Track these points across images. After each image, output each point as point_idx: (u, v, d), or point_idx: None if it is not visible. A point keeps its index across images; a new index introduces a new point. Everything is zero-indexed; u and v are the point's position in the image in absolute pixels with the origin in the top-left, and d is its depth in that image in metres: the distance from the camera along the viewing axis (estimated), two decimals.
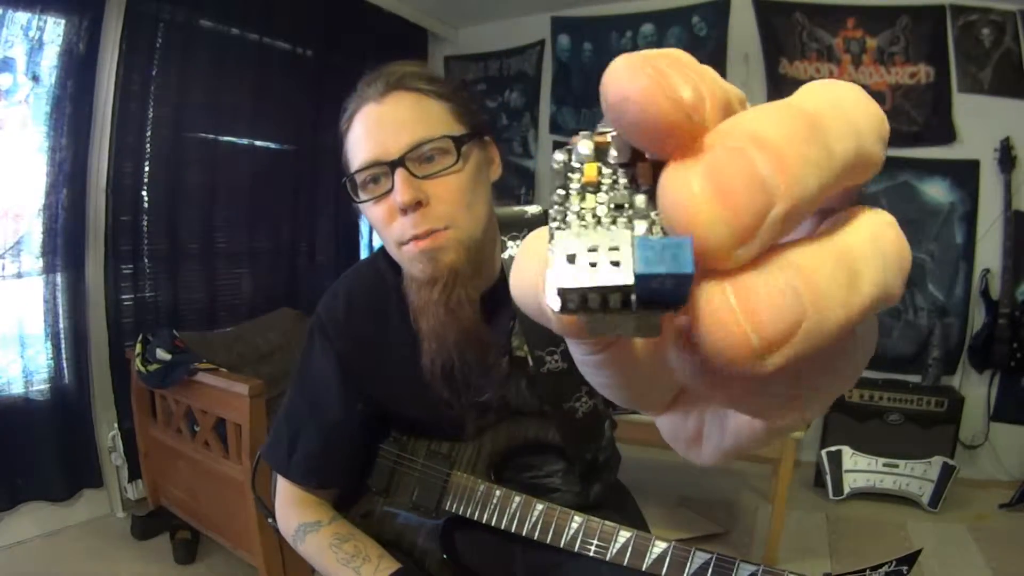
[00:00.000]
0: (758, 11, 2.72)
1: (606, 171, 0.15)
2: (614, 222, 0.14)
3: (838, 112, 0.15)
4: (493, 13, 3.25)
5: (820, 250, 0.14)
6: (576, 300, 0.13)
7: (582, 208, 0.14)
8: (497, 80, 3.42)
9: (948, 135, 2.52)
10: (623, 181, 0.15)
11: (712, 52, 2.81)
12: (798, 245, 0.14)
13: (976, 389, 2.54)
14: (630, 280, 0.13)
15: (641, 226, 0.14)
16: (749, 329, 0.13)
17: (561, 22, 3.18)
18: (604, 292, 0.13)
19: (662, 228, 0.14)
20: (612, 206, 0.14)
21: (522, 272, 0.16)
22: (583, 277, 0.13)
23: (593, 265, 0.13)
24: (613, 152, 0.15)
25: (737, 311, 0.13)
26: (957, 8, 2.46)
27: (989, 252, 2.50)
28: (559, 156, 0.15)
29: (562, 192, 0.15)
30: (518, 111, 3.38)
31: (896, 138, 2.57)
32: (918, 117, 2.56)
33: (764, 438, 0.19)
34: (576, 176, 0.15)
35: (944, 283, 2.59)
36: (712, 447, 0.21)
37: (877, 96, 2.49)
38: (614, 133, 0.15)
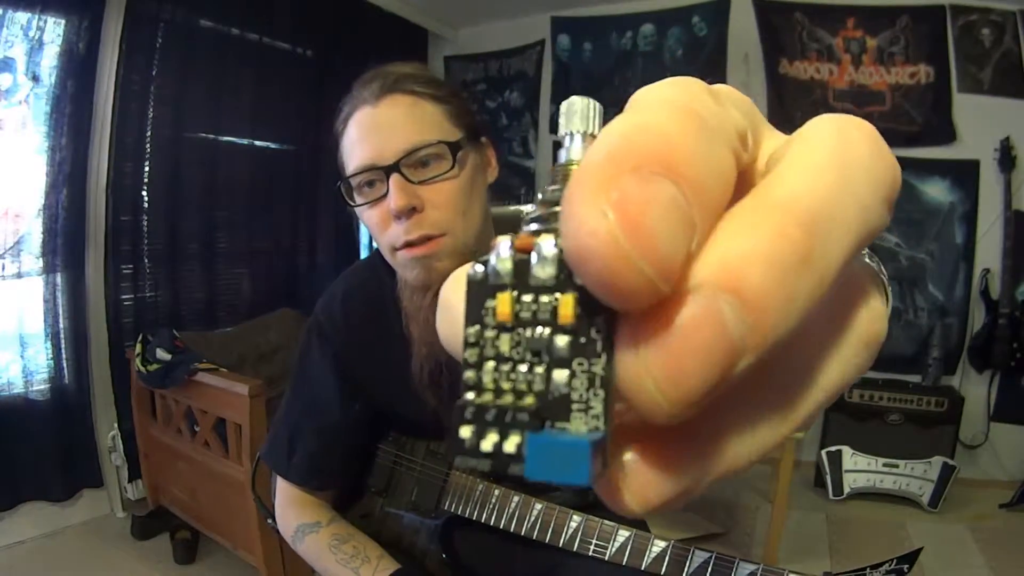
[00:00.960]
0: (758, 11, 2.72)
1: (525, 299, 0.13)
2: (530, 371, 0.13)
3: (845, 192, 0.12)
4: (493, 13, 3.25)
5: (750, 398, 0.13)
6: (483, 476, 0.13)
7: (497, 350, 0.13)
8: (497, 80, 3.42)
9: (948, 135, 2.52)
10: (543, 316, 0.13)
11: (712, 52, 2.81)
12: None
13: (976, 389, 2.53)
14: (522, 474, 0.12)
15: (561, 375, 0.12)
16: (634, 504, 0.13)
17: (561, 22, 3.18)
18: (507, 475, 0.12)
19: (587, 377, 0.12)
20: (529, 352, 0.13)
21: (440, 324, 0.15)
22: (480, 462, 0.12)
23: (489, 453, 0.12)
24: (535, 271, 0.13)
25: (628, 489, 0.13)
26: (957, 8, 2.46)
27: (989, 252, 2.50)
28: (476, 272, 0.13)
29: (476, 328, 0.13)
30: (518, 111, 3.38)
31: (896, 138, 2.57)
32: (918, 117, 2.56)
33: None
34: (491, 305, 0.13)
35: (944, 283, 2.59)
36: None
37: (877, 96, 2.49)
38: (542, 235, 0.13)
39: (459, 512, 0.86)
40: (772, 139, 0.16)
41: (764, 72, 2.73)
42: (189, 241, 2.49)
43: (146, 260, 2.35)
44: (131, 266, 2.31)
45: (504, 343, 0.13)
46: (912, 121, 2.57)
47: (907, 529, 2.22)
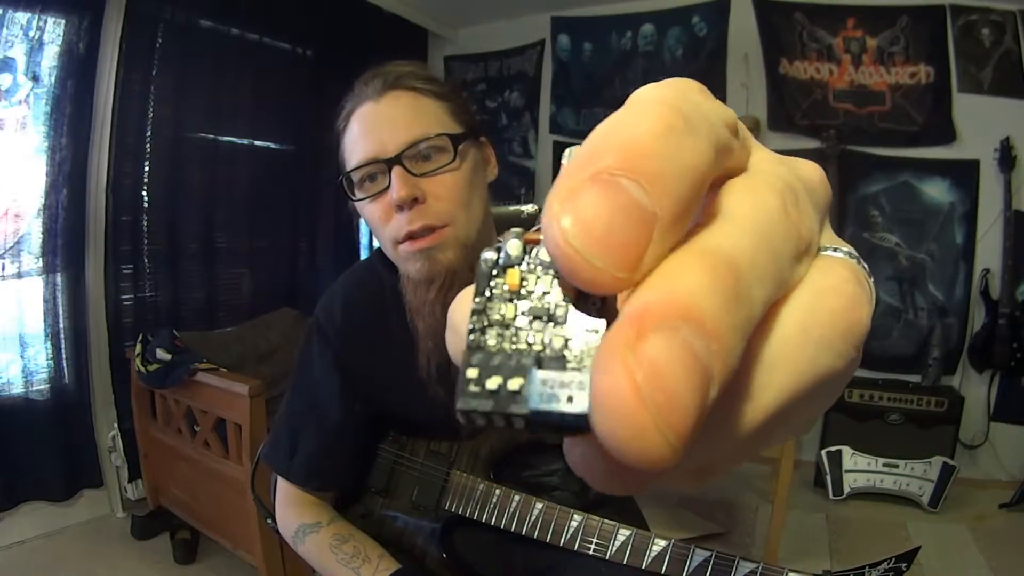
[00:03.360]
0: (758, 11, 2.72)
1: (531, 276, 0.15)
2: (531, 334, 0.14)
3: (762, 247, 0.14)
4: (493, 13, 3.25)
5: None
6: (481, 419, 0.13)
7: (503, 316, 0.14)
8: (497, 80, 3.42)
9: (948, 135, 2.52)
10: (546, 290, 0.14)
11: (712, 52, 2.82)
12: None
13: (976, 389, 2.53)
14: (525, 412, 0.13)
15: (558, 342, 0.14)
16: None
17: (561, 22, 3.18)
18: (505, 417, 0.13)
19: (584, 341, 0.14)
20: (532, 317, 0.14)
21: (448, 343, 0.16)
22: (481, 403, 0.13)
23: (494, 392, 0.13)
24: (542, 254, 0.15)
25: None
26: (957, 8, 2.46)
27: (989, 252, 2.50)
28: (488, 255, 0.15)
29: (482, 298, 0.15)
30: (518, 111, 3.38)
31: (896, 138, 2.58)
32: (918, 117, 2.56)
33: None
34: (500, 280, 0.15)
35: (944, 283, 2.59)
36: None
37: (877, 96, 2.50)
38: None
39: (459, 512, 0.86)
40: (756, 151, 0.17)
41: (764, 72, 2.73)
42: (189, 241, 2.48)
43: (146, 260, 2.35)
44: (131, 266, 2.31)
45: (509, 310, 0.14)
46: (912, 121, 2.57)
47: (907, 529, 2.22)
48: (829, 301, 0.15)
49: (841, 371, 0.15)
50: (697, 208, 0.13)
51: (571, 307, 0.14)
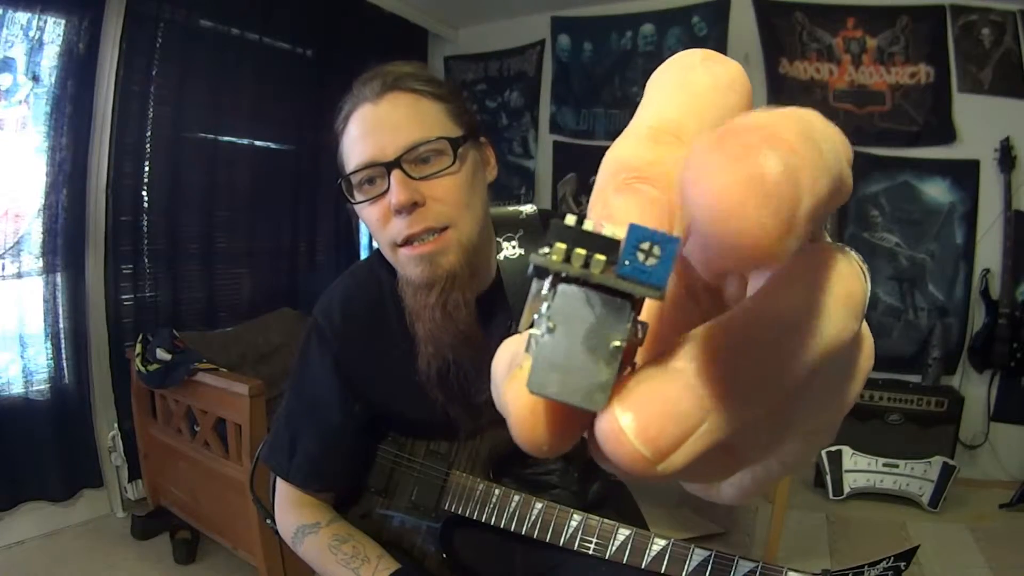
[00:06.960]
0: (758, 11, 2.72)
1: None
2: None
3: (815, 129, 0.14)
4: (493, 13, 3.25)
5: (736, 332, 0.14)
6: (564, 247, 0.14)
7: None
8: (497, 80, 3.42)
9: (948, 135, 2.52)
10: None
11: None
12: (715, 328, 0.14)
13: (976, 389, 2.53)
14: (621, 235, 0.13)
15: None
16: (640, 444, 0.13)
17: (561, 22, 3.18)
18: (591, 246, 0.13)
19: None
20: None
21: (493, 391, 0.17)
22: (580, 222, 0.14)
23: (580, 221, 0.14)
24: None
25: (626, 431, 0.13)
26: (957, 8, 2.46)
27: (989, 252, 2.50)
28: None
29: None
30: (518, 111, 3.38)
31: (896, 138, 2.57)
32: (918, 117, 2.56)
33: (782, 472, 0.19)
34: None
35: (944, 283, 2.59)
36: (731, 487, 0.21)
37: (877, 96, 2.49)
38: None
39: (459, 512, 0.86)
40: None
41: (764, 72, 2.73)
42: (189, 241, 2.48)
43: (146, 260, 2.35)
44: (131, 266, 2.31)
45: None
46: (912, 121, 2.57)
47: (907, 529, 2.22)
48: (820, 273, 0.15)
49: (846, 342, 0.15)
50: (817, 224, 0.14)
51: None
